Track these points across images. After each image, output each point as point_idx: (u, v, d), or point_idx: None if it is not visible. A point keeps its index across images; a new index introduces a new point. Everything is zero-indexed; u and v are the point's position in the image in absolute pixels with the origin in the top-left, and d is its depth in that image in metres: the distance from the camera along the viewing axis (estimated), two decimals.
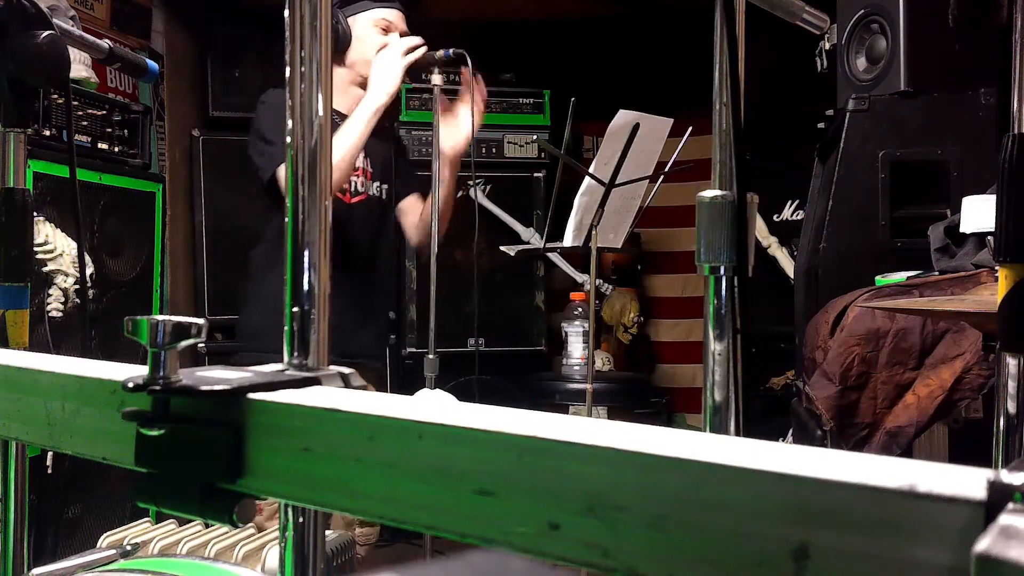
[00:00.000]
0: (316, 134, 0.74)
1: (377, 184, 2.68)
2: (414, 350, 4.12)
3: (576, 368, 4.12)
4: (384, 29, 2.59)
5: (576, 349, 4.14)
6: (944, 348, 1.98)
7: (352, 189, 2.60)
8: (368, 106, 2.43)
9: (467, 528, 0.53)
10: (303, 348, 0.73)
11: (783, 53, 3.80)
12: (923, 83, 2.66)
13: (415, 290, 4.17)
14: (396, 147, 2.74)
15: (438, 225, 2.55)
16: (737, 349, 0.94)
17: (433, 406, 0.57)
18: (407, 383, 3.89)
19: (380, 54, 2.50)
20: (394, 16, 2.62)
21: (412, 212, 2.70)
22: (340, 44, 2.53)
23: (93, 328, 2.86)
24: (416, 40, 2.51)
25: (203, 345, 3.52)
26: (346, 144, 2.39)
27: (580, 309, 4.12)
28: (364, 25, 2.59)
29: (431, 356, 2.43)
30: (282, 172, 2.42)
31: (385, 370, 2.74)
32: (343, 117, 2.55)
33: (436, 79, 2.59)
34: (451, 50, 2.54)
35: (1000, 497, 0.38)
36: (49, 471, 2.59)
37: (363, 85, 2.59)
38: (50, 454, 2.51)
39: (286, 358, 0.73)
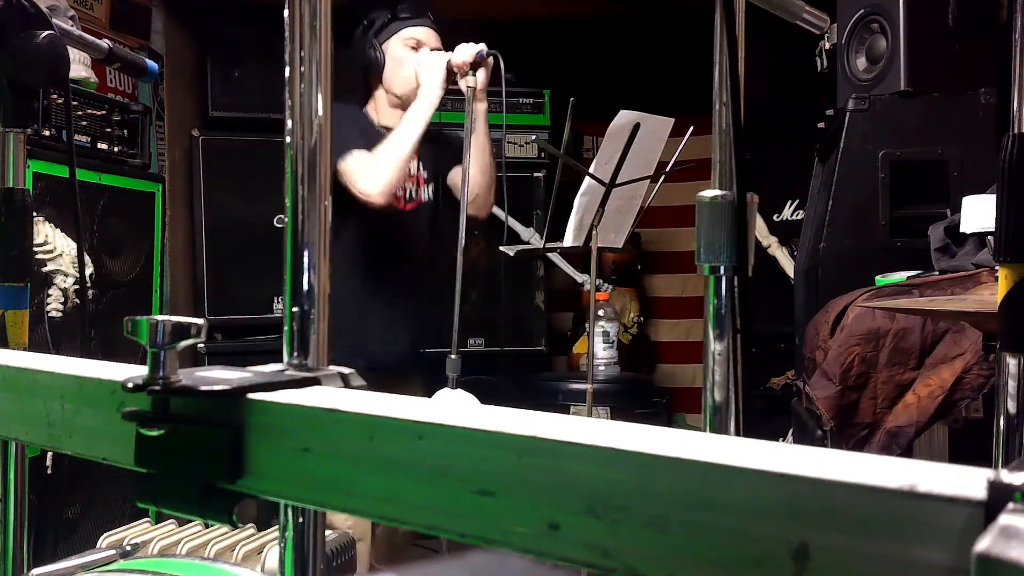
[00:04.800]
0: (316, 134, 0.74)
1: (430, 188, 2.74)
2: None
3: (600, 368, 4.10)
4: (413, 47, 2.68)
5: (598, 349, 4.12)
6: (944, 348, 1.98)
7: (406, 195, 2.65)
8: (418, 104, 2.55)
9: (467, 528, 0.53)
10: (303, 348, 0.73)
11: (783, 53, 3.80)
12: (923, 83, 2.66)
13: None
14: (441, 144, 2.77)
15: (485, 195, 2.67)
16: (737, 349, 0.94)
17: (433, 406, 0.57)
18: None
19: (422, 57, 2.63)
20: (422, 33, 2.70)
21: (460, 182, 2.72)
22: (374, 69, 2.69)
23: (93, 328, 2.86)
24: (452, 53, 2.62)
25: (203, 345, 3.52)
26: (403, 141, 2.51)
27: (603, 311, 4.13)
28: (396, 46, 2.69)
29: (453, 356, 2.41)
30: (339, 166, 2.49)
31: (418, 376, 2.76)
32: (391, 132, 2.60)
33: (470, 80, 2.59)
34: (486, 48, 2.56)
35: (1000, 497, 0.38)
36: (49, 471, 2.59)
37: (400, 106, 2.68)
38: (50, 454, 2.50)
39: (285, 358, 0.73)
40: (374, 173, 2.49)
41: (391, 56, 2.68)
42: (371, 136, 2.60)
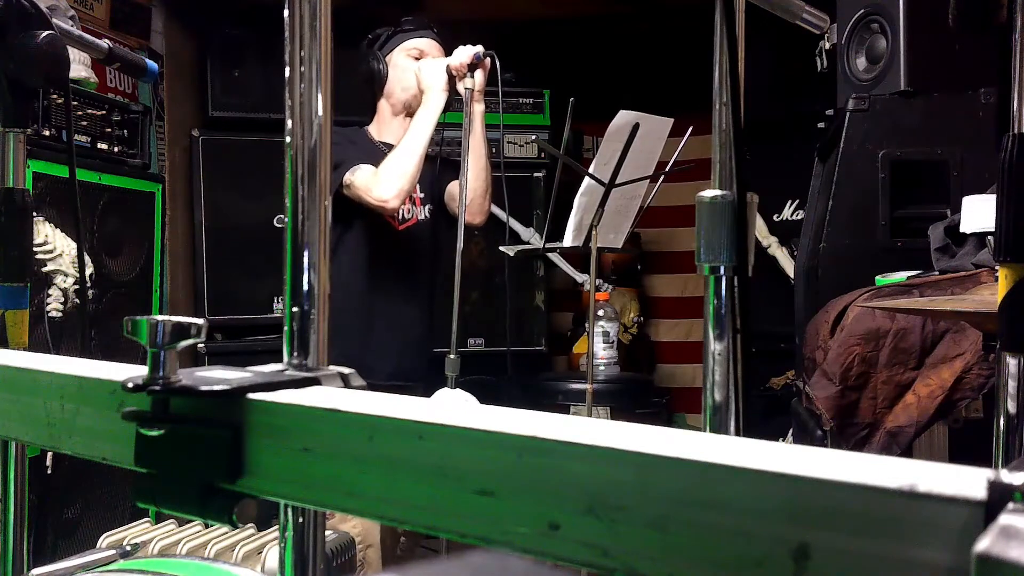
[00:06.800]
0: (316, 134, 0.74)
1: (428, 208, 2.75)
2: None
3: (600, 368, 4.10)
4: (416, 57, 2.71)
5: (598, 349, 4.12)
6: (944, 348, 1.98)
7: (400, 217, 2.66)
8: (423, 110, 2.58)
9: (467, 528, 0.53)
10: (303, 348, 0.73)
11: (783, 53, 3.80)
12: (923, 83, 2.66)
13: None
14: (438, 165, 2.78)
15: (480, 201, 2.68)
16: (737, 349, 0.94)
17: (433, 406, 0.57)
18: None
19: (422, 63, 2.65)
20: (425, 44, 2.74)
21: (458, 195, 2.72)
22: (378, 81, 2.73)
23: (93, 328, 2.86)
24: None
25: (203, 345, 3.52)
26: (412, 146, 2.53)
27: (603, 311, 4.13)
28: (399, 56, 2.73)
29: (452, 356, 2.42)
30: (348, 179, 2.53)
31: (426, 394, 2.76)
32: (391, 148, 2.61)
33: (468, 82, 2.60)
34: (483, 49, 2.58)
35: (1000, 497, 0.38)
36: (49, 471, 2.59)
37: (403, 114, 2.72)
38: (50, 454, 2.50)
39: (285, 358, 0.73)
40: (387, 179, 2.52)
41: (394, 66, 2.71)
42: (372, 154, 2.62)
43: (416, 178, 2.57)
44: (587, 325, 3.01)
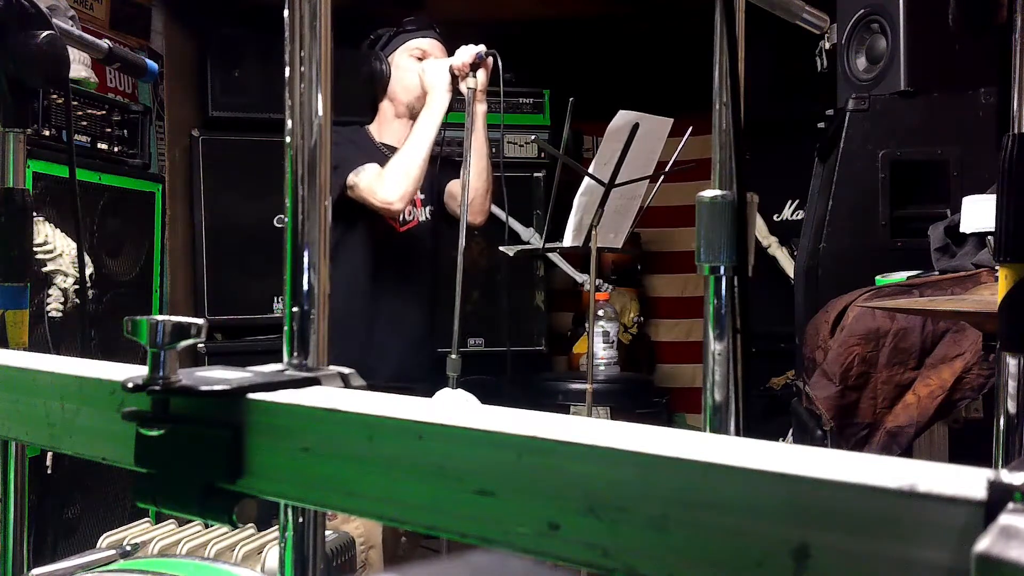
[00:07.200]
0: (316, 134, 0.74)
1: (428, 209, 2.75)
2: None
3: (600, 368, 4.10)
4: (419, 58, 2.71)
5: (598, 349, 4.12)
6: (944, 348, 1.98)
7: (401, 218, 2.66)
8: (427, 111, 2.58)
9: (467, 528, 0.53)
10: (303, 348, 0.73)
11: (783, 53, 3.80)
12: (923, 83, 2.66)
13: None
14: (439, 165, 2.78)
15: (481, 200, 2.68)
16: (737, 349, 0.94)
17: (433, 406, 0.57)
18: None
19: (425, 64, 2.65)
20: (428, 44, 2.75)
21: (459, 194, 2.70)
22: (380, 81, 2.73)
23: (93, 328, 2.86)
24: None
25: (203, 345, 3.52)
26: (417, 147, 2.54)
27: (603, 311, 4.13)
28: (401, 56, 2.73)
29: (453, 356, 2.42)
30: (352, 180, 2.54)
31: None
32: (392, 150, 2.61)
33: (470, 82, 2.61)
34: (485, 49, 2.59)
35: (1000, 497, 0.38)
36: (49, 471, 2.59)
37: (405, 115, 2.72)
38: (50, 454, 2.50)
39: (285, 358, 0.73)
40: (392, 181, 2.52)
41: (397, 66, 2.72)
42: (373, 154, 2.62)
43: (421, 180, 2.57)
44: (587, 325, 3.01)
